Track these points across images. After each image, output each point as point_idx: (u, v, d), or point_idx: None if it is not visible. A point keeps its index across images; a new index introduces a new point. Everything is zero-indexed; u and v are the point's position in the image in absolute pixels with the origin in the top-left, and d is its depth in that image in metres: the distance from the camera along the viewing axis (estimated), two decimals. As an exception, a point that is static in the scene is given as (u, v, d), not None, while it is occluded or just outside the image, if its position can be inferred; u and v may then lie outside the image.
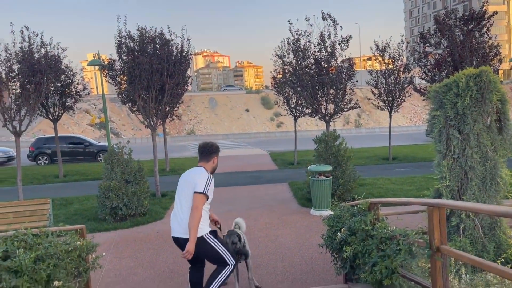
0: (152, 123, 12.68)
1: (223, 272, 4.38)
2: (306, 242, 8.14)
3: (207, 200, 4.25)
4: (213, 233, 4.51)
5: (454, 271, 4.20)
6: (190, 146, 32.72)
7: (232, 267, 4.40)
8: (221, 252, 4.38)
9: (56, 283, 3.97)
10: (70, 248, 4.56)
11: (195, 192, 4.17)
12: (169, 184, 14.01)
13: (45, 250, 3.84)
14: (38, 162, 22.72)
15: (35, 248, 3.75)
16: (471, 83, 5.03)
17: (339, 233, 4.73)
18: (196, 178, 4.27)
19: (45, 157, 22.77)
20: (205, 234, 4.30)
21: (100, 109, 57.53)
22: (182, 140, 41.95)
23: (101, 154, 22.75)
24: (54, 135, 18.12)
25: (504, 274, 2.30)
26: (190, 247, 4.04)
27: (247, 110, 68.66)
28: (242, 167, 19.44)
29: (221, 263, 4.39)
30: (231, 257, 4.41)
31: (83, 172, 18.58)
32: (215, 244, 4.36)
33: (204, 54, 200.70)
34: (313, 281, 6.34)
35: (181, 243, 4.31)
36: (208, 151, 4.48)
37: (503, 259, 4.56)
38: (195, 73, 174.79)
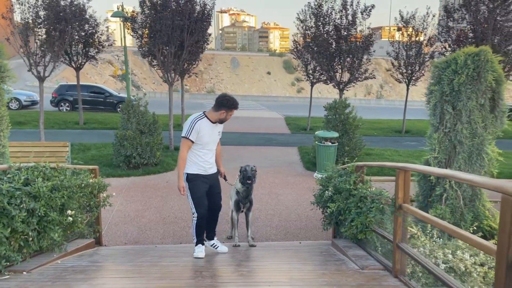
0: (169, 78, 13.05)
1: (192, 221, 4.67)
2: (304, 202, 8.60)
3: (192, 143, 4.52)
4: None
5: (429, 234, 4.58)
6: (208, 104, 33.12)
7: (197, 218, 4.58)
8: (190, 200, 4.62)
9: (69, 212, 4.53)
10: (83, 184, 5.11)
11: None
12: (183, 138, 14.53)
13: (61, 182, 4.36)
14: (60, 108, 23.53)
15: (52, 179, 4.27)
16: (469, 61, 5.21)
17: (326, 192, 5.13)
18: (184, 124, 4.63)
19: (67, 104, 23.53)
20: (186, 177, 4.60)
21: (123, 61, 57.95)
22: (201, 98, 42.32)
23: (120, 105, 23.33)
24: (76, 83, 18.71)
25: (446, 229, 2.67)
26: (178, 183, 4.57)
27: (268, 73, 68.30)
28: (256, 129, 19.84)
29: (192, 210, 4.64)
30: (199, 207, 4.57)
31: (102, 121, 19.27)
32: (188, 190, 4.62)
33: (230, 12, 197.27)
34: (305, 236, 6.85)
35: None
36: (220, 102, 4.57)
37: (475, 227, 4.91)
38: (220, 31, 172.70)
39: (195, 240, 4.71)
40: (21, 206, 3.68)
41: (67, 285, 3.44)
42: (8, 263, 3.69)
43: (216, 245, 4.94)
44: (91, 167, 5.96)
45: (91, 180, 5.44)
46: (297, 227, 7.24)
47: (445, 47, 15.38)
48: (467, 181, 2.31)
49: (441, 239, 4.63)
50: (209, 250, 4.85)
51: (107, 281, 3.72)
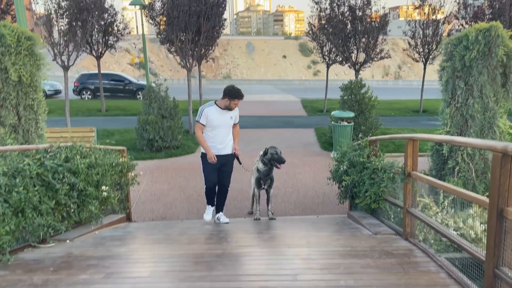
0: (188, 64, 13.37)
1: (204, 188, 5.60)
2: (321, 180, 8.85)
3: (204, 126, 5.33)
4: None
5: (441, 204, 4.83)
6: (225, 89, 33.32)
7: (205, 188, 5.52)
8: (202, 173, 5.53)
9: (103, 187, 4.94)
10: (114, 163, 5.51)
11: None
12: (202, 123, 14.91)
13: (95, 160, 4.75)
14: (82, 96, 24.20)
15: (88, 157, 4.66)
16: (480, 37, 5.36)
17: (341, 166, 5.41)
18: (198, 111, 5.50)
19: (89, 92, 24.18)
20: (201, 154, 5.49)
21: (140, 48, 58.62)
22: (218, 83, 42.69)
23: (139, 92, 23.84)
24: (97, 71, 19.21)
25: (444, 188, 2.94)
26: (208, 155, 5.28)
27: (284, 57, 68.03)
28: (272, 112, 20.08)
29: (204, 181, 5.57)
30: (208, 180, 5.45)
31: (123, 107, 19.80)
32: (202, 165, 5.50)
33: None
34: (322, 211, 7.15)
35: None
36: (224, 91, 5.32)
37: (486, 197, 5.11)
38: (234, 16, 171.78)
39: (206, 201, 5.72)
40: (64, 180, 4.09)
41: (108, 250, 3.84)
42: (53, 232, 4.11)
43: (219, 218, 5.54)
44: (119, 147, 6.38)
45: (120, 160, 5.84)
46: (314, 203, 7.55)
47: (462, 25, 15.24)
48: (464, 144, 2.57)
49: (453, 210, 4.89)
50: (236, 221, 5.38)
51: (143, 246, 4.13)
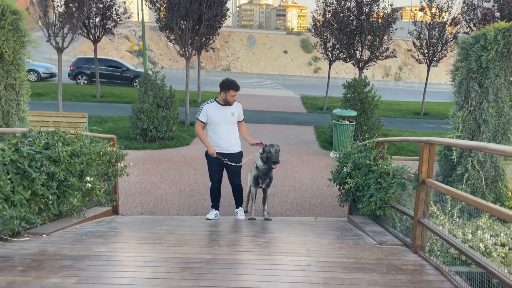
0: (187, 53, 12.95)
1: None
2: (320, 179, 8.55)
3: (204, 123, 5.29)
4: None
5: (448, 213, 4.50)
6: (224, 82, 32.83)
7: (210, 185, 5.45)
8: (208, 171, 5.47)
9: (88, 178, 4.56)
10: (101, 152, 5.13)
11: None
12: (199, 114, 14.52)
13: (80, 148, 4.38)
14: (78, 81, 23.67)
15: (72, 145, 4.28)
16: (499, 37, 5.01)
17: (345, 168, 5.06)
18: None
19: (84, 77, 23.64)
20: (205, 152, 5.39)
21: (140, 36, 57.87)
22: (217, 75, 42.08)
23: (137, 80, 23.30)
24: (94, 56, 18.73)
25: (474, 203, 2.59)
26: (209, 151, 5.27)
27: (285, 52, 67.49)
28: (271, 107, 19.69)
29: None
30: (212, 179, 5.43)
31: (119, 94, 19.35)
32: (207, 163, 5.45)
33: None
34: (320, 213, 6.81)
35: None
36: (219, 86, 5.25)
37: None
38: (237, 9, 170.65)
39: (211, 204, 5.64)
40: (42, 169, 3.71)
41: (87, 248, 3.48)
42: (27, 225, 3.74)
43: (237, 212, 5.58)
44: (109, 136, 5.99)
45: (109, 149, 5.46)
46: (312, 204, 7.21)
47: (470, 27, 14.88)
48: (498, 152, 2.22)
49: (460, 219, 4.55)
50: (228, 220, 5.23)
51: (126, 246, 3.76)
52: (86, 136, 4.99)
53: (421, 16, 17.15)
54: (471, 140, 5.37)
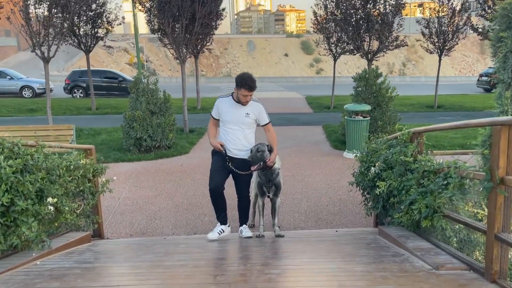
0: (181, 55, 12.03)
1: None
2: (335, 183, 7.55)
3: (216, 120, 4.56)
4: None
5: None
6: (224, 87, 32.03)
7: (210, 190, 4.41)
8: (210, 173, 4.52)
9: (50, 199, 3.59)
10: (72, 166, 4.17)
11: None
12: (199, 121, 13.63)
13: (35, 162, 3.42)
14: (74, 95, 22.86)
15: (24, 159, 3.33)
16: (555, -6, 4.01)
17: (372, 168, 4.06)
18: None
19: (80, 90, 22.83)
20: (212, 150, 4.57)
21: (139, 48, 57.38)
22: (217, 81, 41.27)
23: (134, 90, 22.52)
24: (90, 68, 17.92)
25: None
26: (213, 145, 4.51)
27: (286, 55, 66.67)
28: (276, 109, 18.66)
29: None
30: (210, 180, 4.43)
31: (115, 105, 18.48)
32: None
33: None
34: (339, 223, 5.80)
35: None
36: (235, 79, 4.39)
37: None
38: (235, 16, 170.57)
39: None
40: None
41: (31, 300, 2.50)
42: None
43: (241, 231, 4.61)
44: (85, 146, 5.03)
45: (82, 161, 4.50)
46: (329, 212, 6.19)
47: (484, 9, 13.85)
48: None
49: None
50: (232, 241, 4.30)
51: (88, 292, 2.77)
52: (50, 147, 4.04)
53: (420, 11, 16.30)
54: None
